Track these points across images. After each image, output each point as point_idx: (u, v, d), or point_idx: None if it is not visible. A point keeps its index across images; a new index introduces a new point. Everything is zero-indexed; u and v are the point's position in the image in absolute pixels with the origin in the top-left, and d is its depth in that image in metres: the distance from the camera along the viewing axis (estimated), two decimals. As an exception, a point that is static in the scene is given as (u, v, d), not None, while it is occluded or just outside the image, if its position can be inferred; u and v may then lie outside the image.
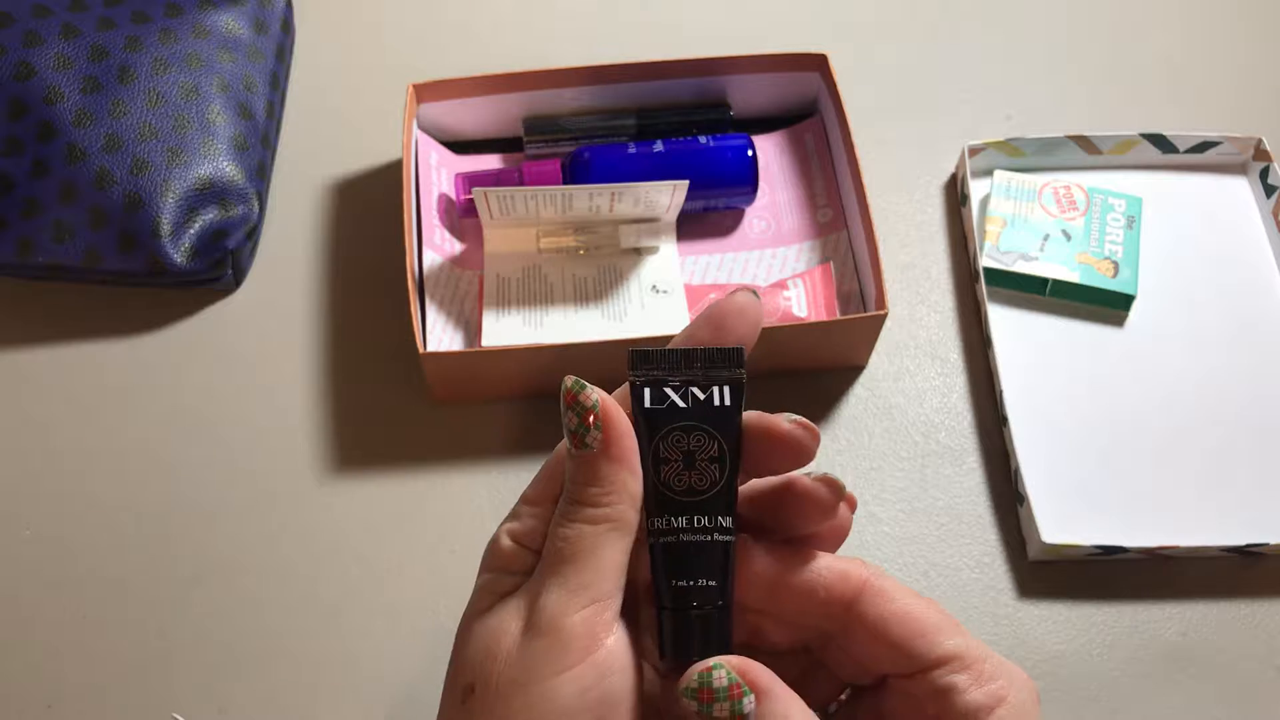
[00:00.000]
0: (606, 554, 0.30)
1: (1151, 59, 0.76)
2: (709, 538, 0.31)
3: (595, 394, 0.30)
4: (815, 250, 0.66)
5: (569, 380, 0.31)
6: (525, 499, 0.33)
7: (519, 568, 0.32)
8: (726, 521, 0.31)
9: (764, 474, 0.33)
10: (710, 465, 0.31)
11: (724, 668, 0.29)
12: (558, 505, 0.31)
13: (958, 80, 0.75)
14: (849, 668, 0.32)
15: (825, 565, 0.32)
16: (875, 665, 0.31)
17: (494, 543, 0.33)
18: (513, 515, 0.33)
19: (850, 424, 0.61)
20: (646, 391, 0.31)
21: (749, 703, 0.29)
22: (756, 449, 0.32)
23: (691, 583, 0.30)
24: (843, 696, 0.34)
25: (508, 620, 0.30)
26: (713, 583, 0.30)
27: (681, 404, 0.31)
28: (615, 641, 0.30)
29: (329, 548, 0.57)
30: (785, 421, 0.32)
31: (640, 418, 0.31)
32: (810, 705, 0.29)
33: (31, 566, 0.56)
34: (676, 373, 0.31)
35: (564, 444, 0.32)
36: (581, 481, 0.31)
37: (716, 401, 0.31)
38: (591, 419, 0.30)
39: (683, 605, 0.30)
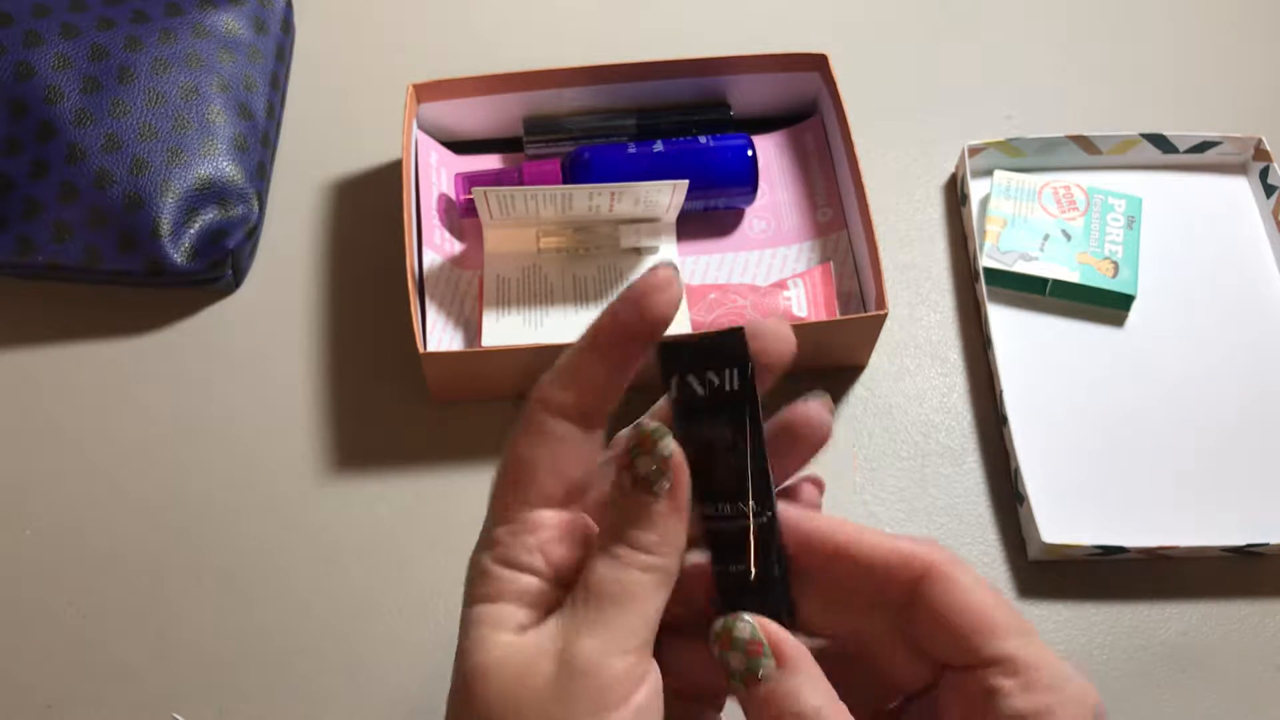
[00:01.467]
0: (652, 602, 0.30)
1: (1151, 59, 0.76)
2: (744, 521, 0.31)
3: (672, 445, 0.30)
4: (815, 250, 0.66)
5: (650, 425, 0.30)
6: (502, 519, 0.32)
7: (530, 599, 0.30)
8: (753, 505, 0.31)
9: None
10: (728, 454, 0.31)
11: (750, 623, 0.29)
12: (601, 539, 0.30)
13: (958, 80, 0.75)
14: (899, 661, 0.32)
15: (890, 545, 0.31)
16: (929, 649, 0.31)
17: (483, 573, 0.31)
18: (494, 542, 0.31)
19: (850, 424, 0.61)
20: (686, 386, 0.31)
21: (768, 664, 0.29)
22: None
23: (727, 568, 0.31)
24: (893, 705, 0.34)
25: (538, 660, 0.29)
26: (740, 566, 0.31)
27: (701, 390, 0.31)
28: (651, 687, 0.29)
29: (329, 547, 0.57)
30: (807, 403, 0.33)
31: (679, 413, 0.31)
32: (853, 708, 0.29)
33: (31, 566, 0.56)
34: (694, 363, 0.32)
35: (518, 447, 0.32)
36: (638, 526, 0.30)
37: (729, 386, 0.32)
38: (664, 466, 0.30)
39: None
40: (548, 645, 0.29)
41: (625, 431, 0.32)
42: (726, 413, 0.31)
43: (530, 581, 0.31)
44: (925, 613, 0.30)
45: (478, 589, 0.31)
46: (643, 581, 0.30)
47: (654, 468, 0.30)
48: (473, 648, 0.30)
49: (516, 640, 0.30)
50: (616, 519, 0.30)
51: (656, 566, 0.30)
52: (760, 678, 0.29)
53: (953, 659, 0.30)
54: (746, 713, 0.30)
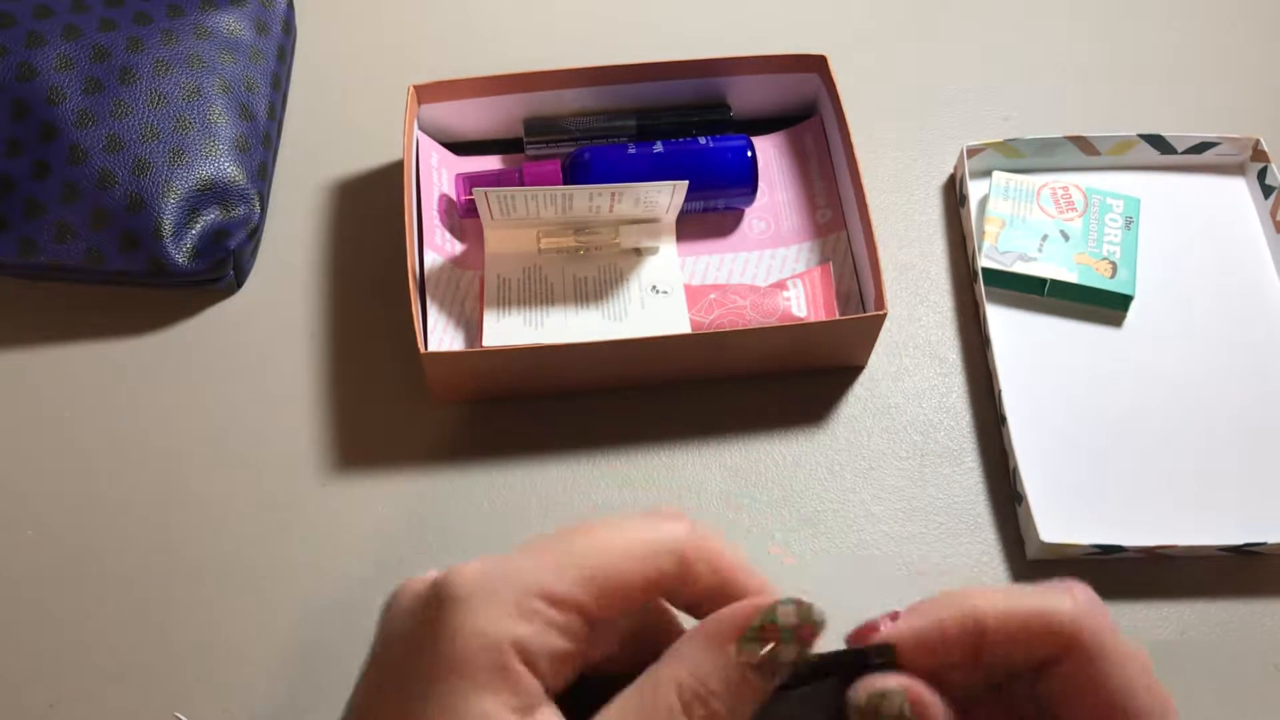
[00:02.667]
0: None
1: (1151, 59, 0.76)
2: None
3: (820, 614, 0.26)
4: (815, 250, 0.66)
5: (817, 611, 0.26)
6: (548, 596, 0.25)
7: (527, 703, 0.25)
8: None
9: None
10: None
11: (902, 697, 0.25)
12: (655, 695, 0.25)
13: (957, 80, 0.75)
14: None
15: (1026, 613, 0.27)
16: (1050, 705, 0.28)
17: (500, 658, 0.24)
18: (521, 610, 0.25)
19: (850, 424, 0.61)
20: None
21: None
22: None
23: None
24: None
25: None
26: None
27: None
28: None
29: (330, 547, 0.57)
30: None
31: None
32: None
33: (32, 566, 0.56)
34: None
35: (628, 530, 0.27)
36: (729, 696, 0.25)
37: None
38: (799, 655, 0.26)
39: None
40: None
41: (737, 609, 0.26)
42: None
43: (535, 689, 0.25)
44: (1061, 682, 0.27)
45: (480, 671, 0.24)
46: None
47: (797, 652, 0.25)
48: None
49: None
50: (695, 671, 0.25)
51: None
52: None
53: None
54: None
